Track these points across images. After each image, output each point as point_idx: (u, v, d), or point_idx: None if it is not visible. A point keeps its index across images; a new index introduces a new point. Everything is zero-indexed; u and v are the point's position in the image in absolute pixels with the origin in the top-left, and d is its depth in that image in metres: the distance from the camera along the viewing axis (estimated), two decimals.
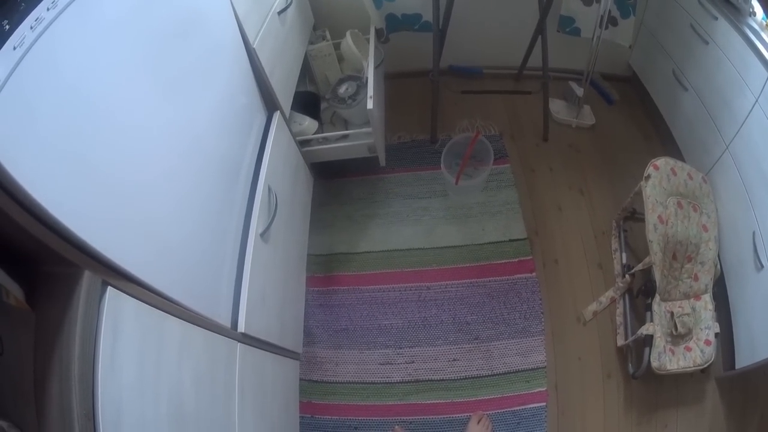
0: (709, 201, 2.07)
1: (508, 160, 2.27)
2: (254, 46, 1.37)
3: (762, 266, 1.77)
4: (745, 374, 1.86)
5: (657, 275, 1.87)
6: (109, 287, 0.70)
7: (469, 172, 2.13)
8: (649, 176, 1.96)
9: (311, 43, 1.97)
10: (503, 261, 1.93)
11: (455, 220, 2.04)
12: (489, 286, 1.88)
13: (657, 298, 1.87)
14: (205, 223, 1.06)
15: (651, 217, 1.89)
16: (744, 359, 1.87)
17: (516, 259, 1.93)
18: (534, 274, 1.93)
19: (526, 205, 2.19)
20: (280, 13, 1.60)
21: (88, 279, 0.66)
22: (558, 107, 2.57)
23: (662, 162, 1.99)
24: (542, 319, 1.86)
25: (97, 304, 0.67)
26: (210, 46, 1.15)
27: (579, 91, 2.49)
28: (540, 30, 2.18)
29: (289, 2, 1.68)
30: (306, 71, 1.94)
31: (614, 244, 2.18)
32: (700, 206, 2.05)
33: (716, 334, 1.87)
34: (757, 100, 1.84)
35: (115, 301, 0.70)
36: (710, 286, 1.97)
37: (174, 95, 0.95)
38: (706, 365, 1.80)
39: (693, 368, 1.78)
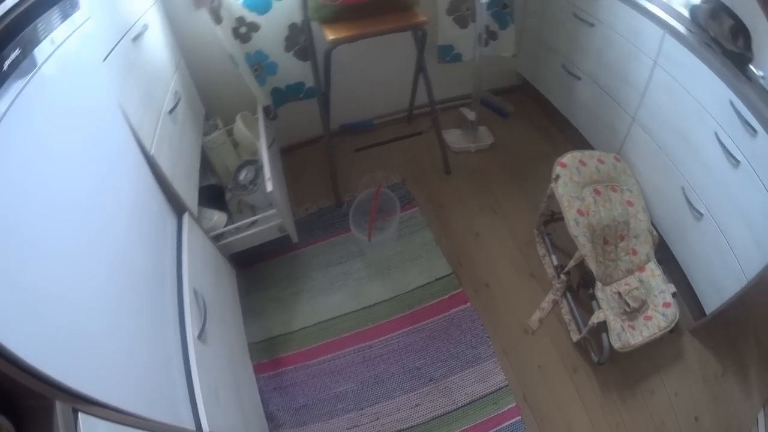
0: (627, 176, 2.28)
1: (416, 203, 2.48)
2: (152, 153, 1.47)
3: (701, 214, 2.01)
4: (720, 313, 2.03)
5: (592, 265, 2.05)
6: (80, 413, 0.79)
7: (380, 226, 2.29)
8: (558, 176, 2.15)
9: (205, 134, 2.10)
10: (435, 301, 2.09)
11: (378, 275, 2.20)
12: (428, 328, 2.03)
13: (598, 285, 2.04)
14: (143, 334, 1.14)
15: (570, 214, 2.08)
16: (712, 303, 2.07)
17: (447, 296, 2.10)
18: (468, 303, 2.10)
19: (444, 241, 2.36)
20: (170, 111, 1.71)
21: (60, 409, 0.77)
22: (454, 137, 2.79)
23: (568, 158, 2.19)
24: (489, 343, 2.00)
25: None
26: (111, 163, 1.24)
27: (471, 115, 2.71)
28: (420, 67, 2.37)
29: (178, 99, 1.80)
30: (205, 164, 2.06)
31: (541, 251, 2.37)
32: (619, 185, 2.25)
33: (674, 294, 2.06)
34: (655, 62, 2.10)
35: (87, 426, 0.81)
36: (652, 254, 2.16)
37: (84, 218, 1.03)
38: (672, 325, 1.98)
39: (659, 333, 1.94)
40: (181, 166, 1.71)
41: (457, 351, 1.95)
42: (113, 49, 1.38)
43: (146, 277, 1.28)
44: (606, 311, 1.94)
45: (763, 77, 1.78)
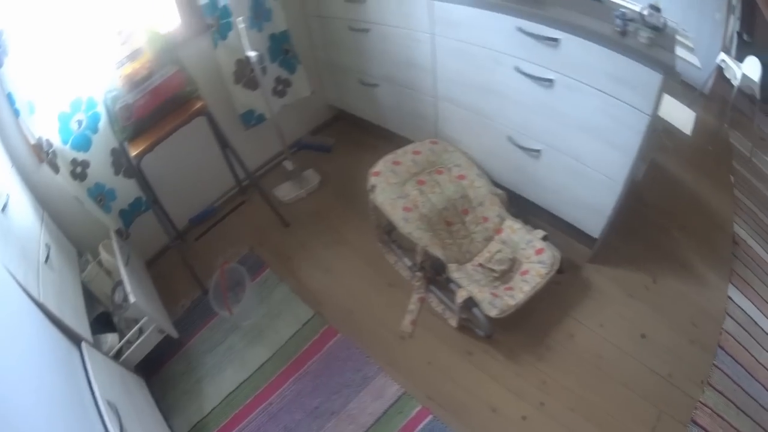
0: (450, 153, 2.86)
1: (266, 265, 3.20)
2: (41, 301, 2.01)
3: (538, 151, 2.55)
4: (612, 229, 2.55)
5: (437, 252, 2.54)
6: None
7: (240, 297, 2.91)
8: (373, 186, 2.68)
9: (82, 270, 2.64)
10: (309, 343, 2.76)
11: (255, 340, 2.86)
12: (312, 369, 2.65)
13: (452, 267, 2.54)
14: None
15: (396, 216, 2.59)
16: (596, 226, 2.61)
17: (317, 335, 2.78)
18: (339, 334, 2.72)
19: (300, 289, 3.01)
20: (46, 261, 2.25)
21: None
22: (285, 190, 3.57)
23: (381, 164, 2.76)
24: (371, 362, 2.59)
25: None
26: (12, 317, 1.83)
27: (289, 165, 3.50)
28: (222, 144, 3.12)
29: (48, 249, 2.34)
30: (89, 296, 2.63)
31: (391, 259, 2.94)
32: (444, 165, 2.81)
33: (544, 238, 2.55)
34: (432, 34, 2.66)
35: None
36: (504, 213, 2.69)
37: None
38: (555, 267, 2.44)
39: (543, 280, 2.41)
40: (68, 305, 2.28)
41: (345, 379, 2.57)
42: None
43: (65, 396, 1.85)
44: (468, 287, 2.41)
45: None
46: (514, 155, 2.74)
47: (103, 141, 2.79)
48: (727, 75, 4.29)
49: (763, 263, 3.09)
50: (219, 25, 3.12)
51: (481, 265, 2.63)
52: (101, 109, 2.70)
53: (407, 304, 2.81)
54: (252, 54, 2.97)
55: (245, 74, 3.29)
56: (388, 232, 3.00)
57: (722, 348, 2.55)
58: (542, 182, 2.75)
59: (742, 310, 2.70)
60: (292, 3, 3.46)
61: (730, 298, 2.71)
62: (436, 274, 2.70)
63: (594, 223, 2.65)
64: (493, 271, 2.56)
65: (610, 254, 2.82)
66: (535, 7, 2.29)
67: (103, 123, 2.74)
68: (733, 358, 2.53)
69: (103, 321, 2.66)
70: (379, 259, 3.11)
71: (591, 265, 2.81)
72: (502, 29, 2.40)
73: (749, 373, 2.52)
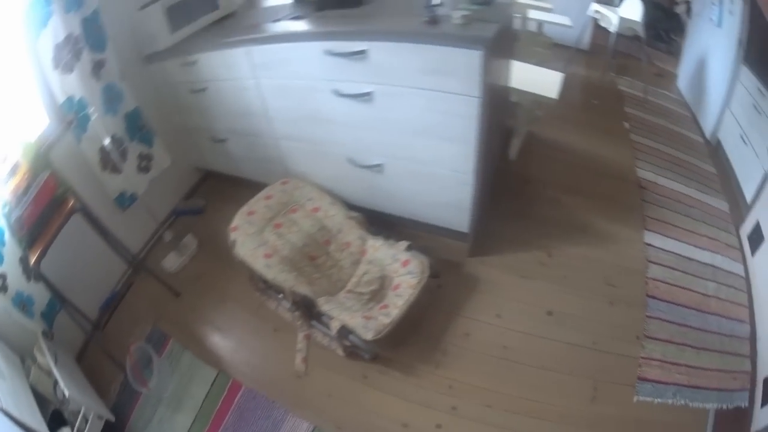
0: (301, 189, 3.65)
1: (169, 336, 4.03)
2: (5, 408, 2.74)
3: (380, 165, 3.33)
4: (484, 219, 3.14)
5: (304, 289, 3.29)
6: None
7: (153, 371, 3.72)
8: (234, 241, 3.49)
9: (27, 375, 3.35)
10: (220, 402, 3.57)
11: (177, 407, 3.67)
12: (230, 424, 3.48)
13: (321, 300, 3.24)
14: None
15: (258, 265, 3.36)
16: (462, 222, 3.32)
17: (225, 391, 3.58)
18: (243, 387, 3.51)
19: (201, 352, 3.84)
20: None
21: None
22: (170, 261, 4.55)
23: (237, 219, 3.57)
24: (276, 405, 3.36)
25: None
26: None
27: (167, 235, 4.53)
28: (102, 233, 3.94)
29: None
30: (39, 397, 3.36)
31: (271, 305, 3.79)
32: (297, 202, 3.59)
33: (408, 247, 3.27)
34: (255, 78, 3.49)
35: None
36: (365, 234, 3.42)
37: None
38: (425, 274, 3.10)
39: (416, 291, 3.08)
40: (25, 408, 3.04)
41: (258, 428, 3.37)
42: None
43: None
44: (340, 316, 3.07)
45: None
46: (360, 175, 3.52)
47: (12, 252, 3.46)
48: (603, 24, 4.97)
49: (676, 194, 4.08)
50: (78, 119, 3.94)
51: (350, 291, 3.33)
52: (3, 224, 3.40)
53: (295, 343, 3.60)
54: (105, 142, 3.85)
55: (108, 160, 4.09)
56: (264, 280, 3.70)
57: (653, 297, 3.19)
58: (395, 194, 3.52)
59: (667, 251, 3.44)
60: (138, 79, 4.35)
61: (649, 244, 3.45)
62: (305, 310, 3.45)
63: (459, 219, 3.39)
64: (362, 294, 3.26)
65: (492, 243, 3.61)
66: (339, 25, 2.93)
67: (7, 236, 3.42)
68: (671, 303, 3.18)
69: (55, 420, 3.47)
70: (261, 307, 3.98)
71: (472, 259, 3.57)
72: (311, 57, 3.06)
73: (698, 309, 3.18)
